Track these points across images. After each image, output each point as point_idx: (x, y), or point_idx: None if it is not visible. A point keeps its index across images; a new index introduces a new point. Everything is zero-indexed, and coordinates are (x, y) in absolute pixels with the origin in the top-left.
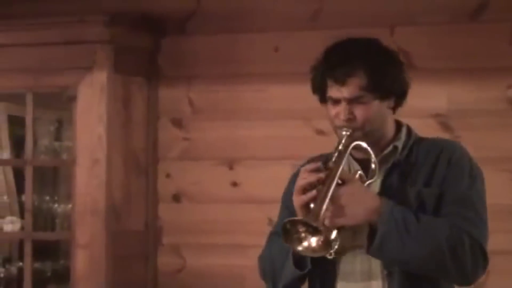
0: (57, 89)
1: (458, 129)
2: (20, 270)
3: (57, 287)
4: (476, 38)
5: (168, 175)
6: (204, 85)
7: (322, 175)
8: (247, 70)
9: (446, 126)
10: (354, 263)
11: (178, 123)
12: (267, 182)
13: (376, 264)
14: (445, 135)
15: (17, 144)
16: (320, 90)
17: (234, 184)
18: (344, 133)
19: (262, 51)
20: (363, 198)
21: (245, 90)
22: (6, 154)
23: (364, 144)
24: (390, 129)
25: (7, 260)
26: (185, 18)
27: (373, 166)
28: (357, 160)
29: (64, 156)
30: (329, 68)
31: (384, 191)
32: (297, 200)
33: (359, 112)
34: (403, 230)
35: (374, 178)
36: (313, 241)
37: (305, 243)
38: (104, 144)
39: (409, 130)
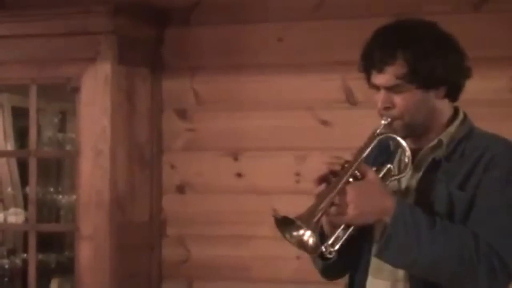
0: (61, 80)
1: None
2: (25, 262)
3: (61, 278)
4: (480, 28)
5: (172, 166)
6: (208, 76)
7: (337, 167)
8: (251, 61)
9: None
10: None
11: (182, 114)
12: (272, 172)
13: None
14: None
15: (21, 136)
16: (365, 74)
17: (239, 175)
18: (383, 121)
19: (266, 42)
20: (374, 196)
21: (249, 80)
22: (10, 146)
23: (393, 135)
24: (442, 120)
25: (12, 252)
26: (189, 9)
27: (406, 160)
28: (411, 149)
29: (68, 148)
30: (369, 53)
31: (421, 188)
32: (314, 189)
33: (398, 100)
34: (413, 234)
35: (404, 173)
36: (305, 239)
37: (297, 239)
38: (108, 135)
39: (464, 121)
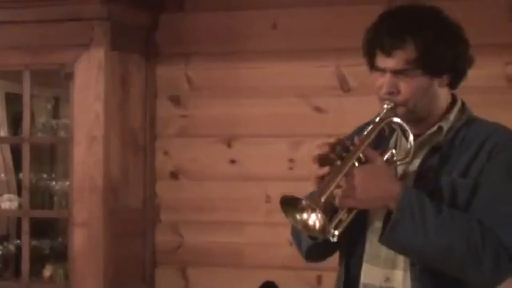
0: (54, 66)
1: None
2: (18, 248)
3: (55, 264)
4: (475, 15)
5: (166, 153)
6: (202, 62)
7: (339, 148)
8: (245, 47)
9: None
10: (380, 247)
11: (176, 100)
12: (265, 159)
13: None
14: None
15: (14, 122)
16: (368, 57)
17: (232, 161)
18: (385, 106)
19: (260, 28)
20: (380, 181)
21: (243, 67)
22: (3, 132)
23: (400, 121)
24: (441, 107)
25: (5, 238)
26: None
27: (408, 146)
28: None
29: (62, 134)
30: (377, 36)
31: (420, 175)
32: (314, 171)
33: (404, 86)
34: (419, 221)
35: (407, 159)
36: (312, 220)
37: (303, 219)
38: (101, 122)
39: (463, 109)
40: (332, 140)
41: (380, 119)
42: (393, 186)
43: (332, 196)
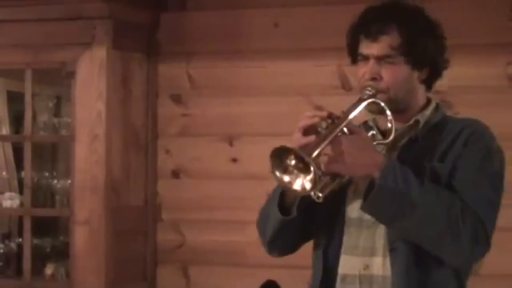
0: (56, 65)
1: (457, 106)
2: (20, 246)
3: (56, 263)
4: (476, 14)
5: (167, 151)
6: (204, 61)
7: (328, 120)
8: (247, 46)
9: (446, 103)
10: (358, 238)
11: (177, 99)
12: (267, 158)
13: (380, 241)
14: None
15: (16, 120)
16: (351, 47)
17: (234, 160)
18: (367, 92)
19: (262, 27)
20: (365, 150)
21: (245, 66)
22: (5, 130)
23: (381, 103)
24: (418, 103)
25: (6, 236)
26: None
27: (389, 125)
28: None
29: (63, 132)
30: (363, 23)
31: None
32: (296, 139)
33: (386, 72)
34: (403, 188)
35: (388, 140)
36: (300, 178)
37: (291, 177)
38: (103, 120)
39: (438, 107)
40: (320, 112)
41: (362, 98)
42: (378, 156)
43: (318, 159)
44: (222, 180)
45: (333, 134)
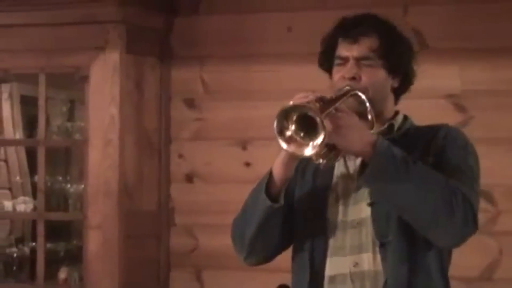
0: (70, 69)
1: (471, 110)
2: (33, 250)
3: (69, 267)
4: (490, 18)
5: (180, 156)
6: (217, 65)
7: (321, 102)
8: (260, 50)
9: (459, 107)
10: (344, 239)
11: (190, 103)
12: None
13: (367, 238)
14: (458, 116)
15: (30, 124)
16: (327, 51)
17: (247, 164)
18: (347, 88)
19: (275, 31)
20: (361, 128)
21: (258, 70)
22: (18, 135)
23: (362, 95)
24: (389, 111)
25: (20, 240)
26: None
27: (369, 116)
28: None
29: (77, 137)
30: (343, 28)
31: None
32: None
33: (365, 74)
34: (400, 153)
35: (372, 131)
36: (305, 141)
37: (295, 141)
38: (116, 125)
39: (406, 118)
40: (312, 93)
41: (347, 90)
42: (371, 135)
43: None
44: (235, 184)
45: (331, 109)
